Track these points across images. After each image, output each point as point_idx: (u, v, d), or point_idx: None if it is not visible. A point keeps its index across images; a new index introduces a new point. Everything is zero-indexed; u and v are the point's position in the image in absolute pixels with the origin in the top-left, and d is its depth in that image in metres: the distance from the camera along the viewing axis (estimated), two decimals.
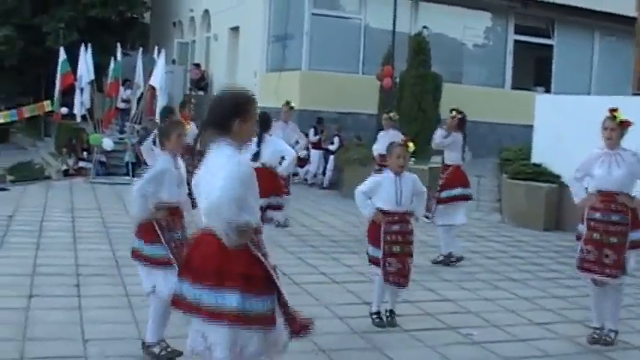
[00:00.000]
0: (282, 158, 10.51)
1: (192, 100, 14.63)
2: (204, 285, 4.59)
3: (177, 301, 4.80)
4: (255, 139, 9.93)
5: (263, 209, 9.66)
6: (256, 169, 9.77)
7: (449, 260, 11.35)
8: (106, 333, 7.36)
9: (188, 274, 4.74)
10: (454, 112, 11.47)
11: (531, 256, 12.46)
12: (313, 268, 10.86)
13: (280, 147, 10.25)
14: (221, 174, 4.41)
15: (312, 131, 21.32)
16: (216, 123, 4.60)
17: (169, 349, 6.79)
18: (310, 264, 11.09)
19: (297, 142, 14.62)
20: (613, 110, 7.52)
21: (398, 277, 8.01)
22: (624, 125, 7.56)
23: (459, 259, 11.45)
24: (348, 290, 9.58)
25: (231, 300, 4.52)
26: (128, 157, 23.69)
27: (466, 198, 11.58)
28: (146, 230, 6.76)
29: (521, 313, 8.96)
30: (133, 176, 20.57)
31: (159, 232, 6.70)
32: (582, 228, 7.85)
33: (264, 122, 10.16)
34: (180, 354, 6.72)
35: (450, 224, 11.41)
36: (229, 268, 4.54)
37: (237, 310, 4.52)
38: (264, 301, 4.62)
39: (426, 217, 11.17)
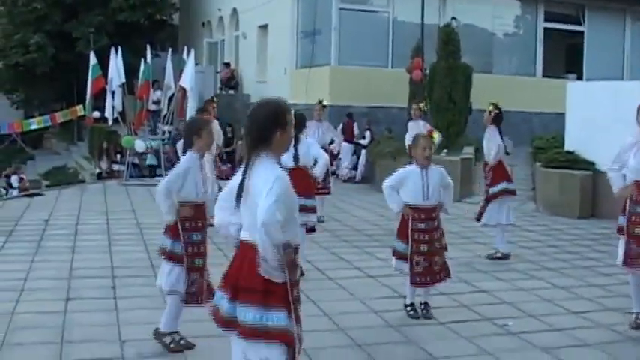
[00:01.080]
0: (315, 161, 10.45)
1: (215, 99, 14.77)
2: (247, 301, 4.54)
3: (216, 315, 4.75)
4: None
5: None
6: (290, 171, 9.86)
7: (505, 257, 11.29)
8: (143, 333, 7.37)
9: (229, 288, 4.67)
10: (491, 107, 11.34)
11: (567, 245, 12.36)
12: (347, 262, 10.86)
13: (313, 150, 10.18)
14: (267, 193, 4.36)
15: (340, 126, 21.29)
16: (257, 135, 4.54)
17: (182, 342, 6.94)
18: (344, 259, 11.08)
19: (332, 142, 14.71)
20: None
21: (424, 277, 8.01)
22: None
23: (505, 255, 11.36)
24: (383, 284, 9.56)
25: (279, 318, 4.49)
26: (149, 160, 23.87)
27: (510, 193, 11.42)
28: (172, 229, 6.95)
29: (558, 302, 8.90)
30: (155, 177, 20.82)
31: (180, 230, 6.88)
32: (622, 220, 7.77)
33: (299, 123, 10.09)
34: (192, 347, 6.90)
35: (496, 223, 11.31)
36: (272, 287, 4.50)
37: (284, 328, 4.49)
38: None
39: (477, 220, 11.38)
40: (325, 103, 14.88)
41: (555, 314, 8.40)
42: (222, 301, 4.64)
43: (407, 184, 8.00)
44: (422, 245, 7.96)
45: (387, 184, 8.11)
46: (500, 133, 11.18)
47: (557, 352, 7.14)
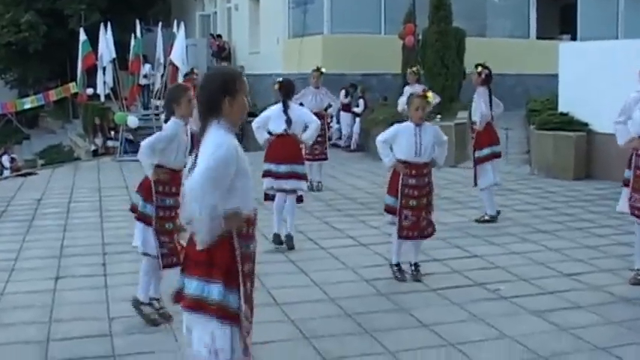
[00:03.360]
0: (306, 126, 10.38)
1: (195, 72, 14.92)
2: (192, 273, 4.50)
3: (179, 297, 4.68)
4: (281, 107, 9.85)
5: (285, 176, 9.70)
6: (279, 136, 9.83)
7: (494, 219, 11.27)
8: (132, 310, 7.30)
9: (183, 261, 4.66)
10: (479, 68, 11.23)
11: (561, 207, 12.28)
12: (340, 231, 10.79)
13: (304, 116, 10.11)
14: (202, 160, 4.32)
15: (342, 93, 21.18)
16: (206, 105, 4.51)
17: (161, 311, 7.03)
18: (337, 228, 11.01)
19: (329, 106, 14.82)
20: None
21: (412, 231, 8.08)
22: None
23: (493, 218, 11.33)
24: (376, 252, 9.50)
25: (214, 292, 4.41)
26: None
27: (495, 156, 11.35)
28: (146, 188, 7.04)
29: (551, 265, 8.84)
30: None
31: (153, 193, 6.96)
32: (628, 174, 7.77)
33: (287, 89, 10.03)
34: (169, 318, 6.93)
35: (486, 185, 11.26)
36: (215, 260, 4.43)
37: (219, 303, 4.40)
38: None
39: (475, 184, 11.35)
40: (323, 70, 14.93)
41: (548, 277, 8.34)
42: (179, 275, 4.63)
43: (400, 140, 8.05)
44: (411, 200, 8.02)
45: (380, 138, 8.19)
46: (490, 94, 11.09)
47: (548, 315, 7.08)
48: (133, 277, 8.53)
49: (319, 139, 12.92)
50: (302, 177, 9.95)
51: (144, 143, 6.94)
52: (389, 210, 8.20)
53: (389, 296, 7.76)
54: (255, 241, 4.56)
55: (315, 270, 8.71)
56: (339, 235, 10.63)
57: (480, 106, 11.02)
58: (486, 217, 11.24)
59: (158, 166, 6.92)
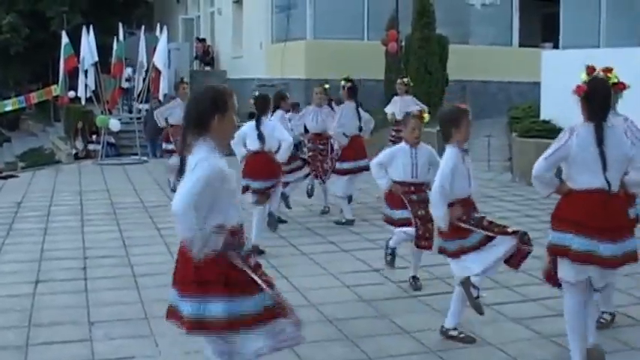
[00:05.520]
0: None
1: (184, 80, 14.89)
2: (186, 294, 4.51)
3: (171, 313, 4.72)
4: (253, 124, 9.84)
5: (261, 192, 9.71)
6: (254, 153, 9.82)
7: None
8: (112, 315, 7.33)
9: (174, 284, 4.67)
10: (343, 82, 11.78)
11: (542, 215, 12.24)
12: (321, 237, 10.79)
13: (277, 132, 10.04)
14: (186, 179, 4.34)
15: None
16: (195, 122, 4.50)
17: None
18: (318, 233, 11.01)
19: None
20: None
21: (425, 241, 8.06)
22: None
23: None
24: (357, 258, 9.51)
25: (216, 309, 4.44)
26: None
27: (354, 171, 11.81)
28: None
29: (533, 272, 8.76)
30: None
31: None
32: None
33: (263, 105, 9.99)
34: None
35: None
36: (208, 277, 4.45)
37: (223, 317, 4.44)
38: (254, 300, 4.52)
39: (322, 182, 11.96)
40: (327, 86, 12.63)
41: (530, 284, 8.33)
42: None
43: (396, 162, 8.08)
44: (420, 210, 7.96)
45: (375, 161, 8.22)
46: (357, 106, 11.68)
47: (529, 322, 7.10)
48: (113, 282, 8.55)
49: (320, 157, 12.19)
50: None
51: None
52: (400, 223, 8.13)
53: (370, 302, 7.75)
54: (247, 241, 4.68)
55: (296, 275, 8.69)
56: (320, 240, 10.62)
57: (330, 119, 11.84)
58: (343, 221, 11.59)
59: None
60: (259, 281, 4.51)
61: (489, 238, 6.40)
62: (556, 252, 5.76)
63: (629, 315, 7.25)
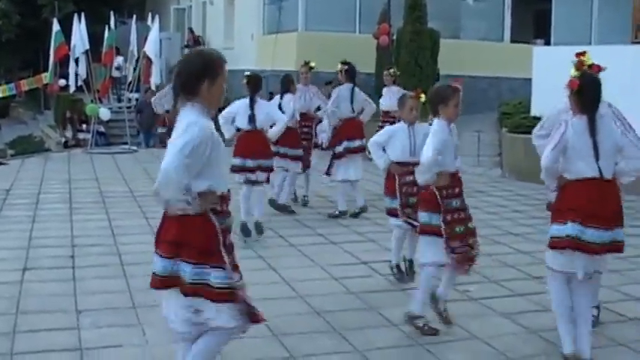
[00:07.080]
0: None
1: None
2: (165, 256, 4.51)
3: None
4: (247, 102, 9.92)
5: (253, 170, 9.79)
6: (247, 132, 9.87)
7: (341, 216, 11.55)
8: (100, 303, 7.31)
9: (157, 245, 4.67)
10: (340, 65, 11.97)
11: (532, 210, 12.33)
12: (310, 229, 10.79)
13: (271, 112, 10.14)
14: (176, 140, 4.31)
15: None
16: (184, 86, 4.48)
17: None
18: (307, 225, 11.01)
19: (318, 108, 12.93)
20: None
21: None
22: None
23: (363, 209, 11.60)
24: (345, 250, 9.51)
25: (185, 270, 4.45)
26: None
27: (351, 151, 11.70)
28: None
29: (521, 267, 8.87)
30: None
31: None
32: None
33: (255, 84, 10.07)
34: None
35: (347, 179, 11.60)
36: (187, 240, 4.45)
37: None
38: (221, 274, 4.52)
39: (327, 174, 11.74)
40: (313, 65, 13.09)
41: (518, 279, 8.38)
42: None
43: (394, 141, 8.05)
44: (410, 198, 7.91)
45: (373, 140, 8.17)
46: (353, 88, 11.85)
47: (517, 317, 7.11)
48: (101, 270, 8.53)
49: (304, 143, 12.25)
50: (269, 169, 10.20)
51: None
52: (391, 213, 8.15)
53: (358, 295, 7.75)
54: (231, 216, 4.66)
55: (284, 267, 8.70)
56: (309, 232, 10.62)
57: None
58: (336, 213, 11.54)
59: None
60: (225, 258, 4.49)
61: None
62: (557, 245, 5.79)
63: (616, 311, 7.27)
